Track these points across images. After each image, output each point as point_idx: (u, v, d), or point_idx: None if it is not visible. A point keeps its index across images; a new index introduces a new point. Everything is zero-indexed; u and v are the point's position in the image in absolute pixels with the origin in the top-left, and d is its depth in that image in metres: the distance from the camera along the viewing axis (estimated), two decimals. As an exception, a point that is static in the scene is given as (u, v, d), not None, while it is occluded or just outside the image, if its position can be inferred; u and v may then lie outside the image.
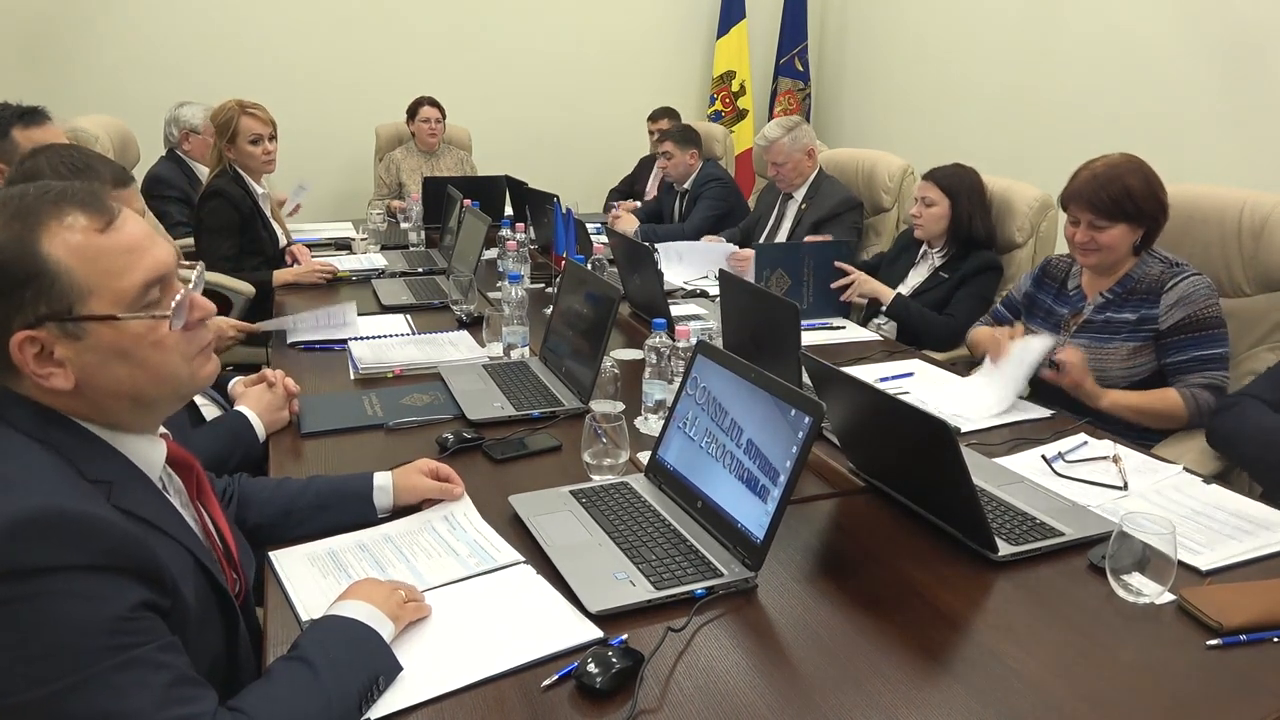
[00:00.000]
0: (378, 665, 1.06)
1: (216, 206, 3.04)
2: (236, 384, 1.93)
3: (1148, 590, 1.23)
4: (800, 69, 5.94)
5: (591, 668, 1.06)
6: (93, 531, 0.86)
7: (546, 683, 1.07)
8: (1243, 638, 1.16)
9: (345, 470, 1.54)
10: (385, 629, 1.10)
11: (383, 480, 1.46)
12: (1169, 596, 1.24)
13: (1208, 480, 1.66)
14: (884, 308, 2.81)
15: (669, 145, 4.37)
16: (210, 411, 1.89)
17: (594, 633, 1.16)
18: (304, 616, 1.19)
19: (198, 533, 1.07)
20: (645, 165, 5.24)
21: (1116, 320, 2.09)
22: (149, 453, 1.02)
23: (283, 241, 3.34)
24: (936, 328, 2.70)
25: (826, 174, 3.54)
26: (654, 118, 5.11)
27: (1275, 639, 1.16)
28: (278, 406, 1.81)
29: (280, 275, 3.06)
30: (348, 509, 1.43)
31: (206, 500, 1.14)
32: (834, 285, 2.86)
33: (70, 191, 0.94)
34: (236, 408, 1.77)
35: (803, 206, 3.48)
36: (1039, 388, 2.18)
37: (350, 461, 1.67)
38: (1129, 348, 2.06)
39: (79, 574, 0.84)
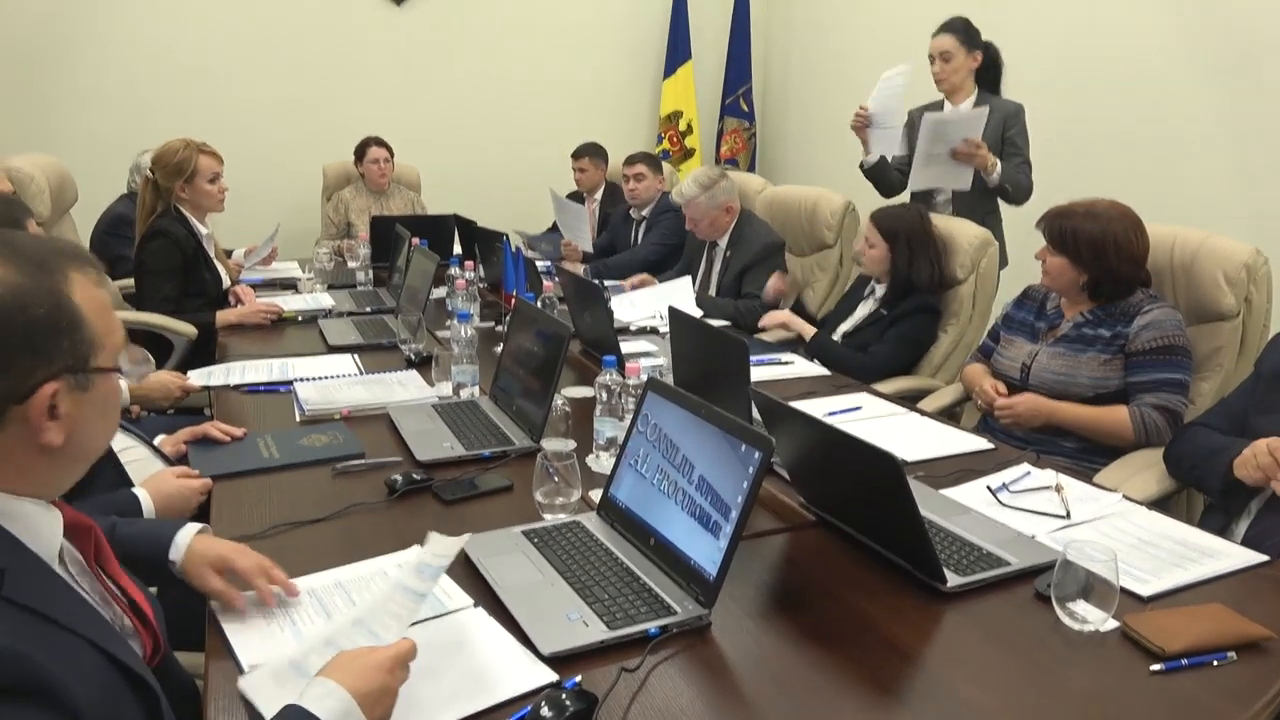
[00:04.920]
0: None
1: (159, 247, 2.99)
2: (163, 443, 1.83)
3: (1092, 617, 1.26)
4: (745, 109, 6.06)
5: (545, 711, 1.05)
6: None
7: (499, 728, 1.06)
8: (1184, 662, 1.18)
9: (247, 518, 1.55)
10: None
11: (183, 537, 1.27)
12: (1113, 623, 1.26)
13: (1150, 507, 1.69)
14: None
15: (641, 167, 4.31)
16: (135, 454, 1.77)
17: (547, 675, 1.14)
18: (246, 665, 1.15)
19: (98, 606, 0.96)
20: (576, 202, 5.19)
21: (1091, 335, 2.18)
22: (44, 527, 0.91)
23: (226, 283, 3.29)
24: (852, 366, 2.70)
25: (750, 215, 3.59)
26: (577, 155, 4.94)
27: (1215, 662, 1.19)
28: (184, 502, 1.58)
29: (223, 316, 3.01)
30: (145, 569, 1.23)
31: (106, 563, 1.03)
32: (761, 324, 3.06)
33: (67, 245, 0.91)
34: (135, 489, 1.55)
35: (728, 254, 3.55)
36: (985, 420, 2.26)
37: (254, 508, 1.61)
38: (1101, 359, 2.14)
39: None
